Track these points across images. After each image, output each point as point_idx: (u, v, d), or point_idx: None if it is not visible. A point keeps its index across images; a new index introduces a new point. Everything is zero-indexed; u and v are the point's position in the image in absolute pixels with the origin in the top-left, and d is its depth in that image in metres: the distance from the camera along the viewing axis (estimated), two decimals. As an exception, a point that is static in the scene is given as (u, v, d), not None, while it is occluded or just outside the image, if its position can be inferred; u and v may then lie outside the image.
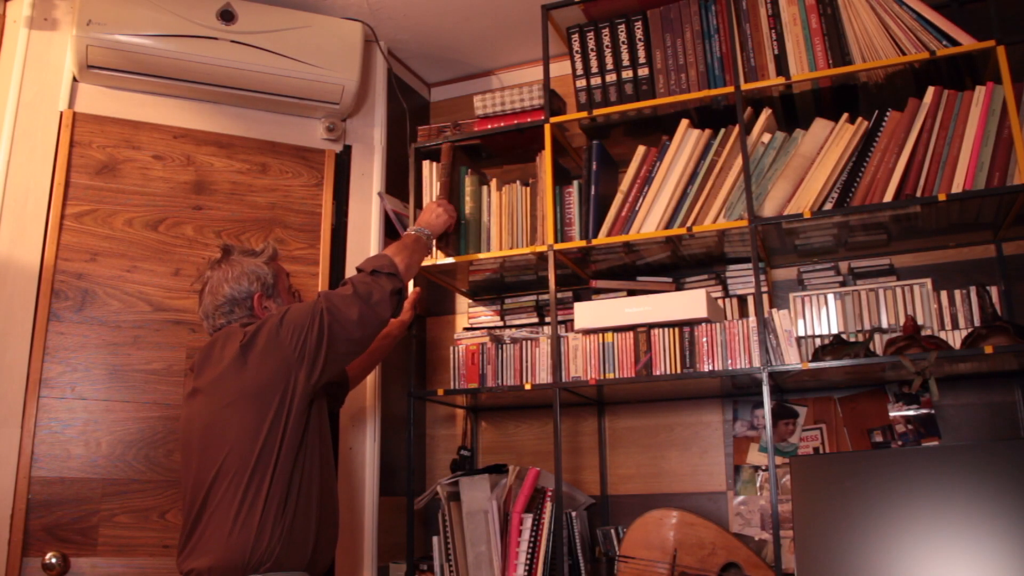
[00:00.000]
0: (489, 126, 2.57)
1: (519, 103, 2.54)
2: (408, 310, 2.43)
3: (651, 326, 2.26)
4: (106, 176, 2.38)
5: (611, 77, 2.44)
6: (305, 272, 2.55)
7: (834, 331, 2.35)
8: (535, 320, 2.76)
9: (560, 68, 2.80)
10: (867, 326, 2.32)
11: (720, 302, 2.47)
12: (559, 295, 2.70)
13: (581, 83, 2.47)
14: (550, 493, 2.32)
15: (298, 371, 1.77)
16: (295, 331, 1.78)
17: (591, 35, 2.48)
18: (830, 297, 2.38)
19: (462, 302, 2.97)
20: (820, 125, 2.21)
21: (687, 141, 2.31)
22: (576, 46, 2.50)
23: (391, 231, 2.78)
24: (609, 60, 2.45)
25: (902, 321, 2.24)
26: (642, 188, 2.34)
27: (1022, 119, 2.01)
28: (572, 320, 2.42)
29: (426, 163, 2.60)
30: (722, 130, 2.30)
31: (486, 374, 2.42)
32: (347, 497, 2.48)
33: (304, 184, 2.64)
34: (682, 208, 2.28)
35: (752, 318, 2.16)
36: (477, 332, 2.75)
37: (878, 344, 2.30)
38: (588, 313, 2.33)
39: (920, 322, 2.26)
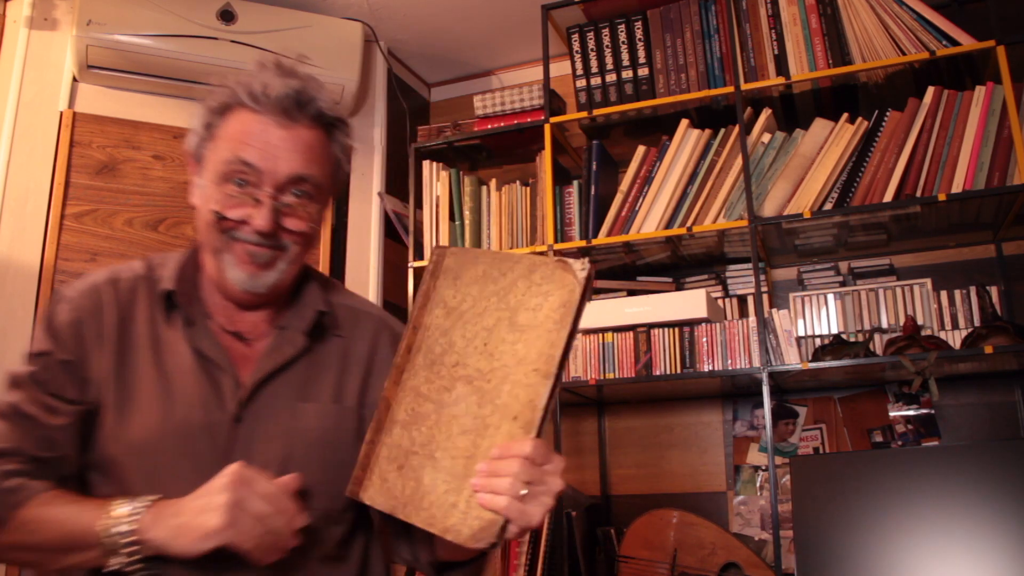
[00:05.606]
0: (489, 126, 2.57)
1: (519, 103, 2.54)
2: None
3: (651, 326, 2.26)
4: (106, 176, 2.37)
5: (611, 77, 2.44)
6: (305, 272, 2.55)
7: (834, 331, 2.35)
8: (535, 320, 2.75)
9: (560, 68, 2.79)
10: (867, 326, 2.32)
11: (720, 302, 2.47)
12: (559, 295, 2.69)
13: (581, 83, 2.47)
14: (550, 493, 2.32)
15: None
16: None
17: (591, 35, 2.48)
18: (830, 297, 2.38)
19: (462, 302, 2.97)
20: (820, 125, 2.21)
21: (687, 141, 2.31)
22: (576, 46, 2.50)
23: (391, 231, 2.78)
24: (609, 60, 2.45)
25: (902, 321, 2.24)
26: (642, 188, 2.34)
27: (1022, 119, 2.01)
28: (572, 320, 2.41)
29: (426, 163, 2.60)
30: (722, 130, 2.30)
31: (486, 374, 2.42)
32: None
33: (304, 184, 2.63)
34: (682, 208, 2.28)
35: (752, 318, 2.16)
36: (477, 332, 2.74)
37: (878, 344, 2.30)
38: (588, 313, 2.32)
39: (920, 322, 2.26)
